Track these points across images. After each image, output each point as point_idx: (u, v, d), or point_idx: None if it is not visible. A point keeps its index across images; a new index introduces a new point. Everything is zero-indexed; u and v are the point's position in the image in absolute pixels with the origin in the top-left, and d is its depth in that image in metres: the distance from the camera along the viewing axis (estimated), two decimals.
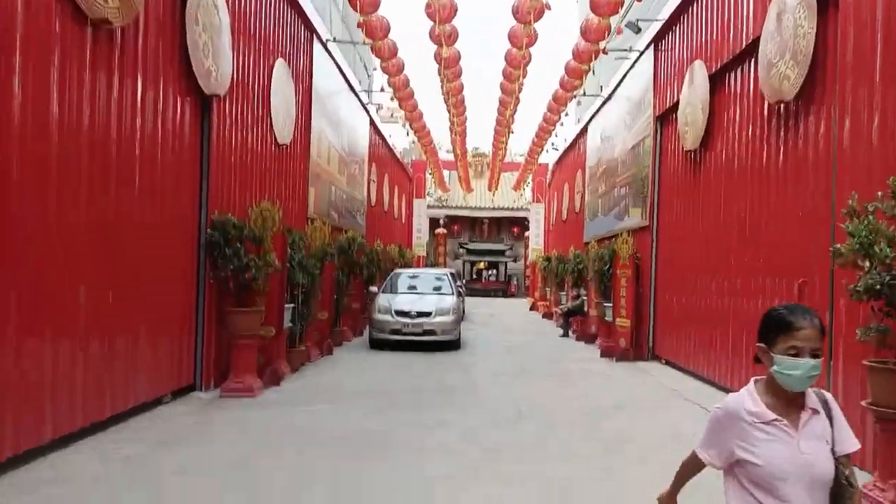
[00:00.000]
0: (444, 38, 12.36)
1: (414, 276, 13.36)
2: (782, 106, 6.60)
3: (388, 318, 11.44)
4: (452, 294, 12.44)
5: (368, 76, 21.86)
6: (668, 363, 10.32)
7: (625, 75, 13.31)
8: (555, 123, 19.32)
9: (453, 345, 11.86)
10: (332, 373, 9.08)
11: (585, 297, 14.87)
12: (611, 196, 14.30)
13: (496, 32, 15.85)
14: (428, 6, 11.05)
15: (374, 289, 12.75)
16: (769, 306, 2.03)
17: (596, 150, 16.39)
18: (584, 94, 16.88)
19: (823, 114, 5.93)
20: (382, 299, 11.92)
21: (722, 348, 8.13)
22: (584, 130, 18.46)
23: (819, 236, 5.89)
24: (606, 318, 12.11)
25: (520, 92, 16.16)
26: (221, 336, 7.50)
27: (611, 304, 11.84)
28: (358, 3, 10.46)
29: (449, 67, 14.21)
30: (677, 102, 9.89)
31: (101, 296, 5.37)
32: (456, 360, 10.68)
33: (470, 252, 37.57)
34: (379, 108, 26.90)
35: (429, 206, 36.30)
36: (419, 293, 12.48)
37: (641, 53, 11.95)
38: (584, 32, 11.70)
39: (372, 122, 18.26)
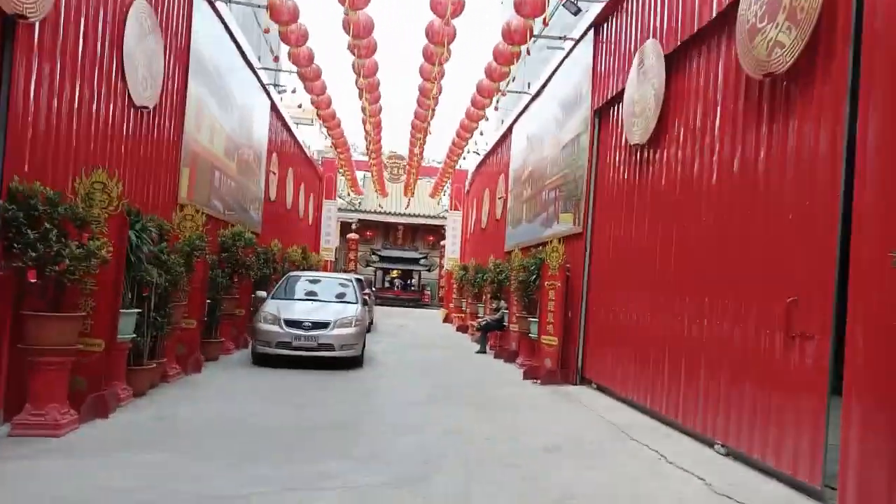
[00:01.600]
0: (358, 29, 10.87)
1: (313, 281, 11.41)
2: (767, 82, 5.37)
3: (274, 328, 9.45)
4: (356, 303, 10.62)
5: (275, 57, 19.68)
6: (599, 388, 9.01)
7: (557, 67, 12.10)
8: (472, 131, 18.13)
9: (355, 361, 10.04)
10: (189, 399, 7.02)
11: (506, 311, 13.48)
12: (537, 201, 13.03)
13: (415, 31, 14.83)
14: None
15: (261, 293, 10.71)
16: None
17: (521, 152, 15.14)
18: (505, 94, 15.68)
19: (829, 89, 4.70)
20: (269, 306, 9.93)
21: (668, 377, 6.85)
22: (507, 132, 17.22)
23: (818, 244, 4.64)
24: (531, 335, 10.71)
25: (439, 93, 14.89)
26: (15, 350, 5.35)
27: (536, 320, 10.46)
28: None
29: (363, 58, 12.71)
30: (621, 92, 8.67)
31: None
32: (357, 382, 8.88)
33: (383, 259, 35.69)
34: (301, 106, 24.59)
35: (340, 209, 34.20)
36: (317, 300, 10.57)
37: (579, 40, 10.73)
38: (506, 35, 10.55)
39: (274, 107, 16.17)
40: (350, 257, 35.97)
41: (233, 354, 10.74)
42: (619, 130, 8.95)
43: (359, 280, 17.56)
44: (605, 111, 9.62)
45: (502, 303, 14.03)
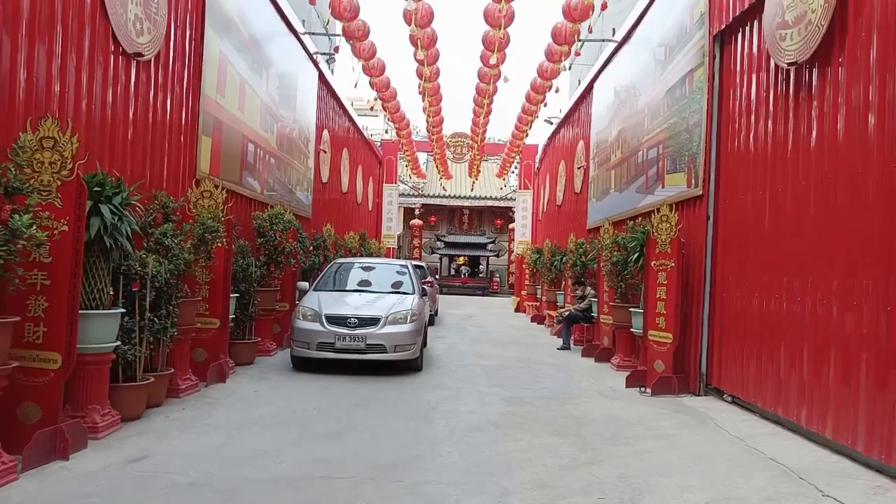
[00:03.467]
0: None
1: (364, 269, 9.64)
2: None
3: (315, 326, 7.74)
4: (414, 293, 8.79)
5: (335, 47, 17.95)
6: (736, 402, 6.80)
7: None
8: (543, 95, 16.10)
9: (412, 365, 8.21)
10: (187, 427, 5.32)
11: (593, 298, 11.32)
12: (630, 164, 10.77)
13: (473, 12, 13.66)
14: None
15: (303, 284, 9.03)
16: None
17: (606, 110, 12.83)
18: (579, 53, 13.44)
19: None
20: (309, 300, 8.23)
21: (868, 395, 4.62)
22: (586, 91, 14.89)
23: None
24: (632, 330, 8.55)
25: (502, 61, 13.20)
26: None
27: (639, 310, 8.30)
28: None
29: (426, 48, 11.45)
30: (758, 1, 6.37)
31: None
32: (412, 393, 7.04)
33: (448, 245, 33.89)
34: (372, 105, 23.12)
35: (402, 195, 32.64)
36: (367, 291, 8.79)
37: None
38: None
39: (323, 79, 14.49)
40: (414, 244, 34.42)
41: (273, 356, 9.14)
42: (756, 53, 6.65)
43: (419, 267, 15.81)
44: (730, 33, 7.30)
45: (588, 289, 11.87)
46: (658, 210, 7.98)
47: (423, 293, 9.20)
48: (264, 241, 8.96)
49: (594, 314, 11.11)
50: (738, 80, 7.12)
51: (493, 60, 13.01)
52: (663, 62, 9.26)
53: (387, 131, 20.51)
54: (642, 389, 7.61)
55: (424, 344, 10.74)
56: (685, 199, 8.12)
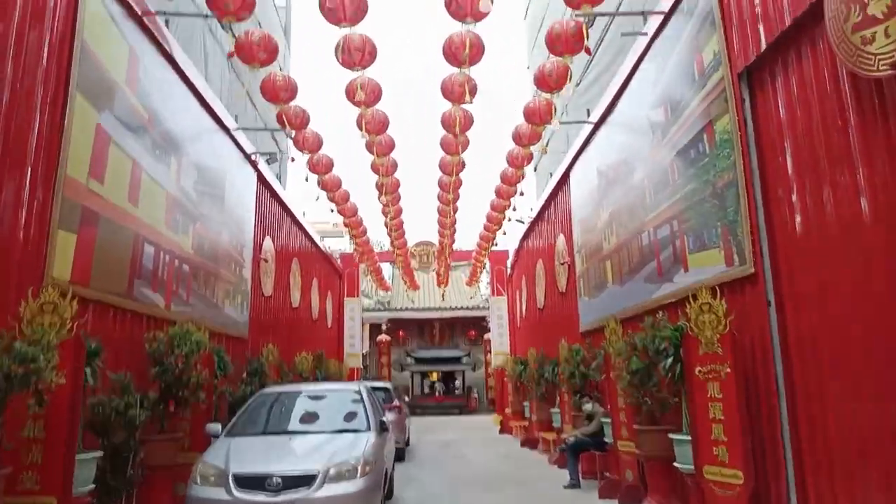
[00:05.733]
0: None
1: (302, 400, 7.13)
2: None
3: (217, 495, 5.18)
4: (369, 430, 6.33)
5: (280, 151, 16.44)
6: None
7: (643, 55, 8.32)
8: (504, 209, 14.89)
9: None
10: None
11: (605, 418, 8.93)
12: (631, 250, 8.87)
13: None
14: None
15: (213, 427, 6.46)
16: None
17: (589, 195, 11.15)
18: (546, 151, 12.13)
19: None
20: (214, 452, 5.70)
21: None
22: (561, 182, 13.36)
23: None
24: (679, 466, 6.17)
25: (460, 172, 11.95)
26: None
27: (686, 437, 6.00)
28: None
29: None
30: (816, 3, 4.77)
31: None
32: None
33: (419, 361, 31.15)
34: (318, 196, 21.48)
35: (366, 310, 30.32)
36: (304, 433, 6.28)
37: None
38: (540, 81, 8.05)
39: (262, 179, 12.62)
40: (382, 362, 31.60)
41: None
42: (812, 77, 4.95)
43: (383, 390, 13.24)
44: (763, 66, 5.66)
45: (595, 405, 9.51)
46: (695, 298, 5.91)
47: (383, 428, 6.72)
48: (160, 370, 6.53)
49: (608, 439, 8.68)
50: (783, 116, 5.38)
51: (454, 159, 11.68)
52: (664, 124, 7.62)
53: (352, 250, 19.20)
54: None
55: (389, 495, 8.11)
56: (726, 282, 6.11)
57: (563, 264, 13.17)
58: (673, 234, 7.37)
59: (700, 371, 5.74)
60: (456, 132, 9.04)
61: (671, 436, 6.25)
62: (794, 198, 5.25)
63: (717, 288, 5.91)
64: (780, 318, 5.47)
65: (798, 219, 5.21)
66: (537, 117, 9.19)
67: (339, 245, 32.64)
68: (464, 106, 8.92)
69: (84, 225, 5.87)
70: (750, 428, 5.47)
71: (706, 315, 5.77)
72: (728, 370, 5.54)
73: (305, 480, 5.24)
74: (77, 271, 5.71)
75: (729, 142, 6.07)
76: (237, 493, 5.14)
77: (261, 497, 5.11)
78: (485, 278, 29.24)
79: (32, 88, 5.30)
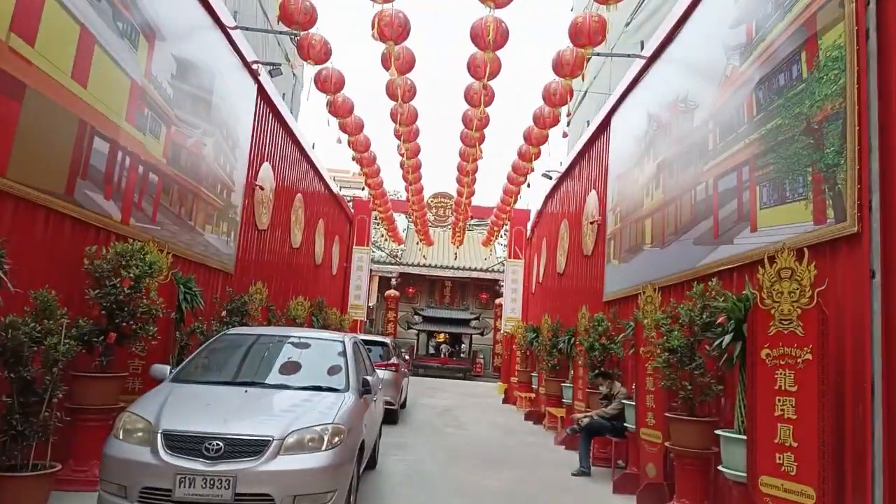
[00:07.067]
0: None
1: (269, 345, 5.94)
2: None
3: (140, 454, 4.04)
4: (347, 390, 5.13)
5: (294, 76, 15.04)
6: None
7: None
8: (539, 146, 13.31)
9: None
10: None
11: (627, 400, 7.66)
12: (680, 206, 7.46)
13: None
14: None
15: (160, 368, 5.30)
16: None
17: (634, 143, 9.68)
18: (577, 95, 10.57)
19: None
20: (146, 401, 4.54)
21: None
22: (599, 130, 11.87)
23: None
24: (725, 471, 4.90)
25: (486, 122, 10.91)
26: None
27: (740, 436, 4.74)
28: None
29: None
30: None
31: None
32: None
33: (427, 320, 30.13)
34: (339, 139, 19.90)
35: (376, 262, 29.26)
36: (261, 385, 5.10)
37: None
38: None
39: (263, 94, 11.22)
40: (389, 318, 30.66)
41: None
42: None
43: (380, 344, 12.09)
44: None
45: (617, 385, 8.26)
46: (771, 260, 4.55)
47: (367, 390, 5.52)
48: (99, 293, 5.36)
49: (629, 424, 7.44)
50: None
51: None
52: (745, 47, 6.13)
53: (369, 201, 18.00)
54: None
55: (373, 465, 7.00)
56: (812, 244, 4.73)
57: (591, 223, 11.78)
58: (741, 185, 5.96)
59: (768, 355, 4.43)
60: (488, 42, 7.58)
61: (719, 432, 4.98)
62: None
63: (804, 250, 4.53)
64: (884, 295, 4.12)
65: None
66: (586, 38, 7.70)
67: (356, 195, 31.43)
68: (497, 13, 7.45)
69: (3, 95, 4.62)
70: (832, 435, 4.17)
71: (785, 283, 4.42)
72: (808, 356, 4.21)
73: (254, 447, 4.06)
74: None
75: (839, 60, 4.62)
76: (165, 456, 3.97)
77: (195, 464, 3.94)
78: (502, 240, 27.90)
79: None
